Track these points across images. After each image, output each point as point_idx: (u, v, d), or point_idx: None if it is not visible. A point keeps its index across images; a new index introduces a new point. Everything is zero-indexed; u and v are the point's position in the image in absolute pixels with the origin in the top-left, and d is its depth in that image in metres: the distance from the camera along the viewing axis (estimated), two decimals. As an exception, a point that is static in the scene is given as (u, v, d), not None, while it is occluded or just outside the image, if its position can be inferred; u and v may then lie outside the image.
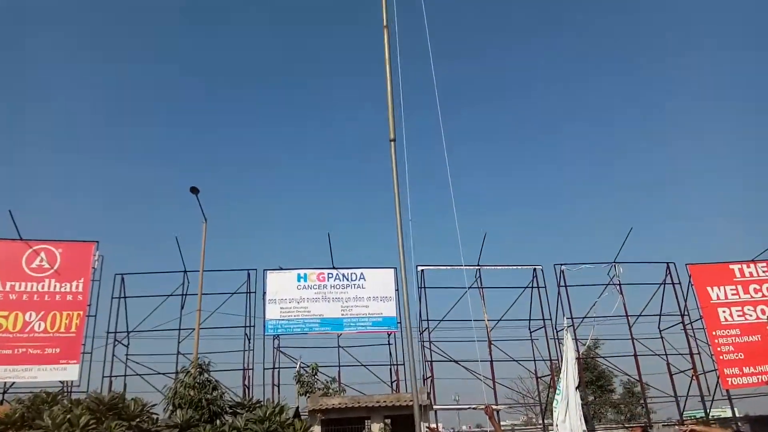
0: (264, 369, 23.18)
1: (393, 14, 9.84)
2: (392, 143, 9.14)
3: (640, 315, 25.79)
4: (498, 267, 26.39)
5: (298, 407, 19.96)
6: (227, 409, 14.05)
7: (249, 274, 24.43)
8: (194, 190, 19.23)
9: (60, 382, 21.14)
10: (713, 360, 24.71)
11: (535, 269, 26.02)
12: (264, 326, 23.81)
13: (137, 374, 22.97)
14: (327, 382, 22.97)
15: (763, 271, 26.21)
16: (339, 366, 23.87)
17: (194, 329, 18.75)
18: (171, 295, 23.93)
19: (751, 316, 25.38)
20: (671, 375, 24.91)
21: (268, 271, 24.61)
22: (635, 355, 24.81)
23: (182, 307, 23.68)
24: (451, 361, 24.22)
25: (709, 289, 25.73)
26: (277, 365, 23.58)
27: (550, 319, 25.17)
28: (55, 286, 22.27)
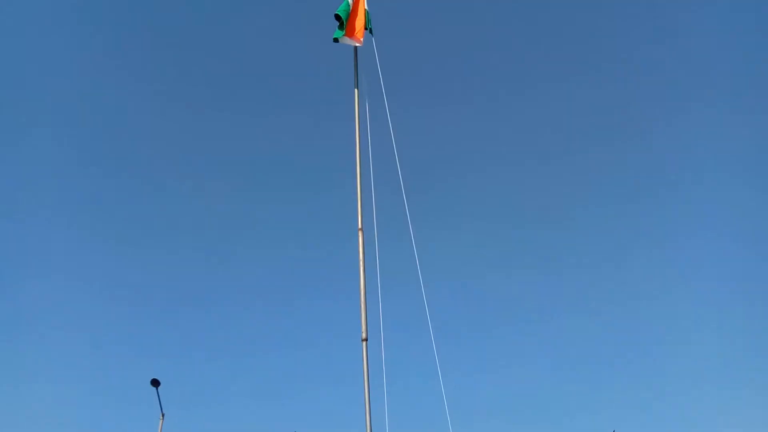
0: None
1: (372, 216, 10.27)
2: (364, 343, 8.82)
3: None
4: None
5: None
6: None
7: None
8: (155, 383, 18.02)
9: None
10: None
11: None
12: None
13: None
14: None
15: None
16: None
17: None
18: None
19: None
20: None
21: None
22: None
23: None
24: None
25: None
26: None
27: None
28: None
